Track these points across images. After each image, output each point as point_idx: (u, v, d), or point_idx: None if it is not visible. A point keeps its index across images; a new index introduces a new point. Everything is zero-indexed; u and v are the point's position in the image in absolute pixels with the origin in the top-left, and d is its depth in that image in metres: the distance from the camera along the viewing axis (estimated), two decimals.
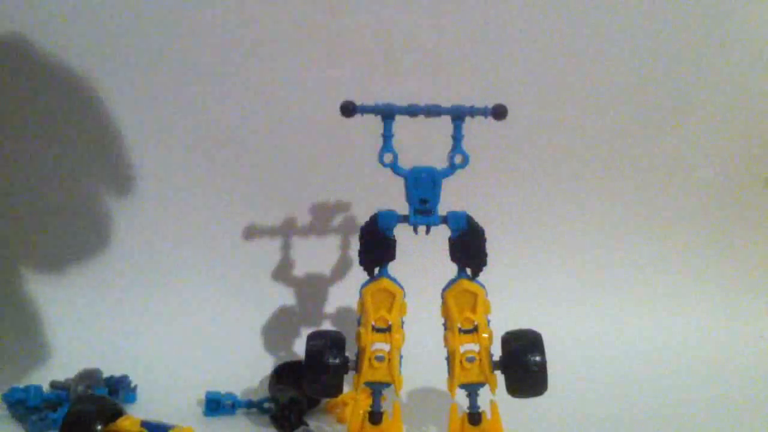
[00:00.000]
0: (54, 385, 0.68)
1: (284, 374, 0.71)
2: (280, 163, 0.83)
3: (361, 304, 0.55)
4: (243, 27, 0.80)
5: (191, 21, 0.79)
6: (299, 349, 0.80)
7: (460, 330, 0.54)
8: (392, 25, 0.82)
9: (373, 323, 0.54)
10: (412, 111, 0.53)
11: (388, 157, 0.53)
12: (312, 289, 0.84)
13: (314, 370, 0.53)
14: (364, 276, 0.55)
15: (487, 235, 0.54)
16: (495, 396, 0.54)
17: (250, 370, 0.75)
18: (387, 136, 0.53)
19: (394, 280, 0.55)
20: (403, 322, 0.56)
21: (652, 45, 0.85)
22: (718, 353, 0.82)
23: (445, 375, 0.55)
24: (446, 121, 0.53)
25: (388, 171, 0.54)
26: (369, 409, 0.56)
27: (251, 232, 0.84)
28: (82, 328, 0.81)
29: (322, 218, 0.84)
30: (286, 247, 0.84)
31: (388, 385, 0.54)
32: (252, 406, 0.66)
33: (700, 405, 0.69)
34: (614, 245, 0.90)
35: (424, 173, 0.53)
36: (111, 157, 0.81)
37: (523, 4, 0.83)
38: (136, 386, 0.70)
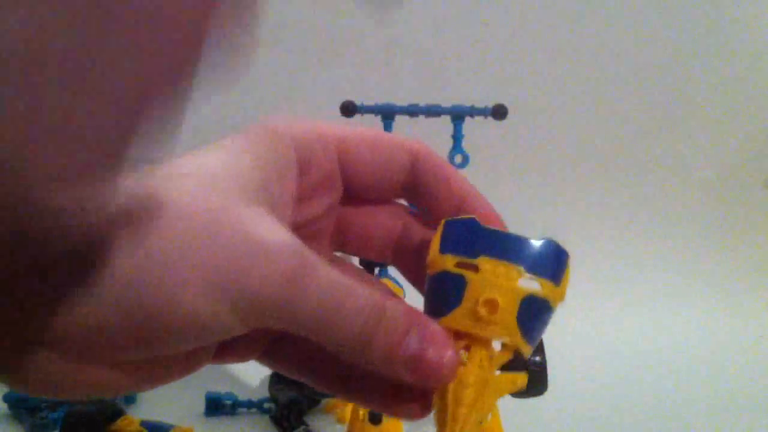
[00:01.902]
0: None
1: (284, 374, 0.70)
2: None
3: None
4: None
5: None
6: None
7: None
8: (392, 25, 0.82)
9: None
10: (412, 111, 0.53)
11: None
12: None
13: None
14: None
15: None
16: None
17: (250, 370, 0.75)
18: None
19: (394, 280, 0.55)
20: None
21: (653, 45, 0.85)
22: (717, 353, 0.82)
23: None
24: (446, 121, 0.53)
25: None
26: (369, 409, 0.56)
27: None
28: None
29: None
30: None
31: None
32: (252, 406, 0.66)
33: (701, 405, 0.69)
34: (614, 245, 0.90)
35: None
36: None
37: (523, 4, 0.83)
38: None
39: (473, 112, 0.53)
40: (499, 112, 0.52)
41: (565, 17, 0.84)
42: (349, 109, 0.52)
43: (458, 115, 0.53)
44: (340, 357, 0.24)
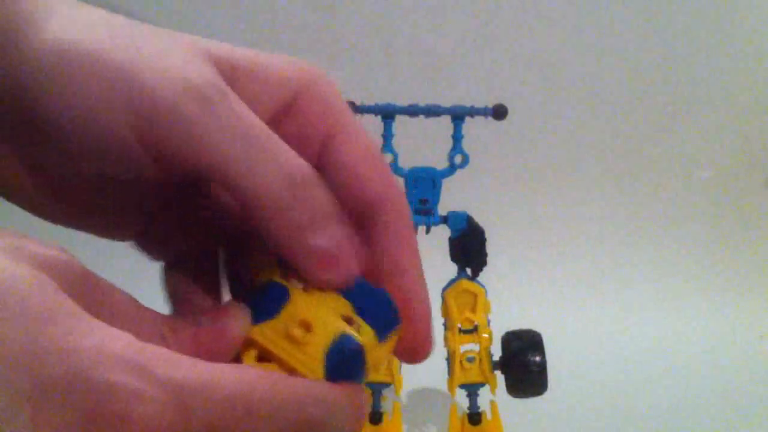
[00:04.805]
0: None
1: None
2: None
3: None
4: (242, 27, 0.80)
5: (190, 21, 0.79)
6: None
7: (460, 330, 0.54)
8: (392, 25, 0.82)
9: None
10: (412, 111, 0.53)
11: (388, 157, 0.53)
12: None
13: None
14: None
15: (487, 235, 0.54)
16: (495, 396, 0.54)
17: None
18: (387, 136, 0.53)
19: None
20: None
21: (653, 45, 0.85)
22: (718, 352, 0.82)
23: (445, 375, 0.55)
24: (446, 121, 0.53)
25: None
26: (369, 409, 0.56)
27: None
28: None
29: None
30: None
31: (388, 385, 0.54)
32: None
33: (700, 405, 0.69)
34: (614, 245, 0.90)
35: (423, 173, 0.53)
36: None
37: (523, 4, 0.83)
38: None
39: (473, 112, 0.53)
40: (499, 112, 0.52)
41: (566, 17, 0.84)
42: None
43: (458, 115, 0.53)
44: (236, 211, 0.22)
